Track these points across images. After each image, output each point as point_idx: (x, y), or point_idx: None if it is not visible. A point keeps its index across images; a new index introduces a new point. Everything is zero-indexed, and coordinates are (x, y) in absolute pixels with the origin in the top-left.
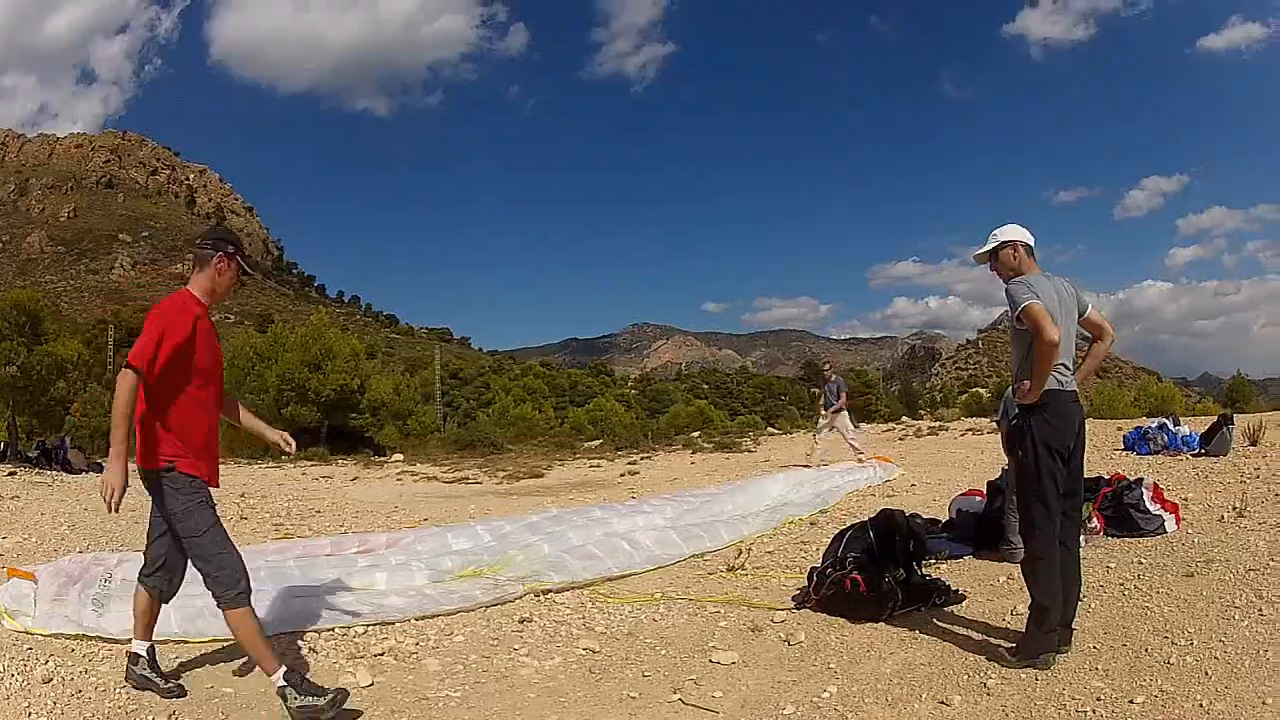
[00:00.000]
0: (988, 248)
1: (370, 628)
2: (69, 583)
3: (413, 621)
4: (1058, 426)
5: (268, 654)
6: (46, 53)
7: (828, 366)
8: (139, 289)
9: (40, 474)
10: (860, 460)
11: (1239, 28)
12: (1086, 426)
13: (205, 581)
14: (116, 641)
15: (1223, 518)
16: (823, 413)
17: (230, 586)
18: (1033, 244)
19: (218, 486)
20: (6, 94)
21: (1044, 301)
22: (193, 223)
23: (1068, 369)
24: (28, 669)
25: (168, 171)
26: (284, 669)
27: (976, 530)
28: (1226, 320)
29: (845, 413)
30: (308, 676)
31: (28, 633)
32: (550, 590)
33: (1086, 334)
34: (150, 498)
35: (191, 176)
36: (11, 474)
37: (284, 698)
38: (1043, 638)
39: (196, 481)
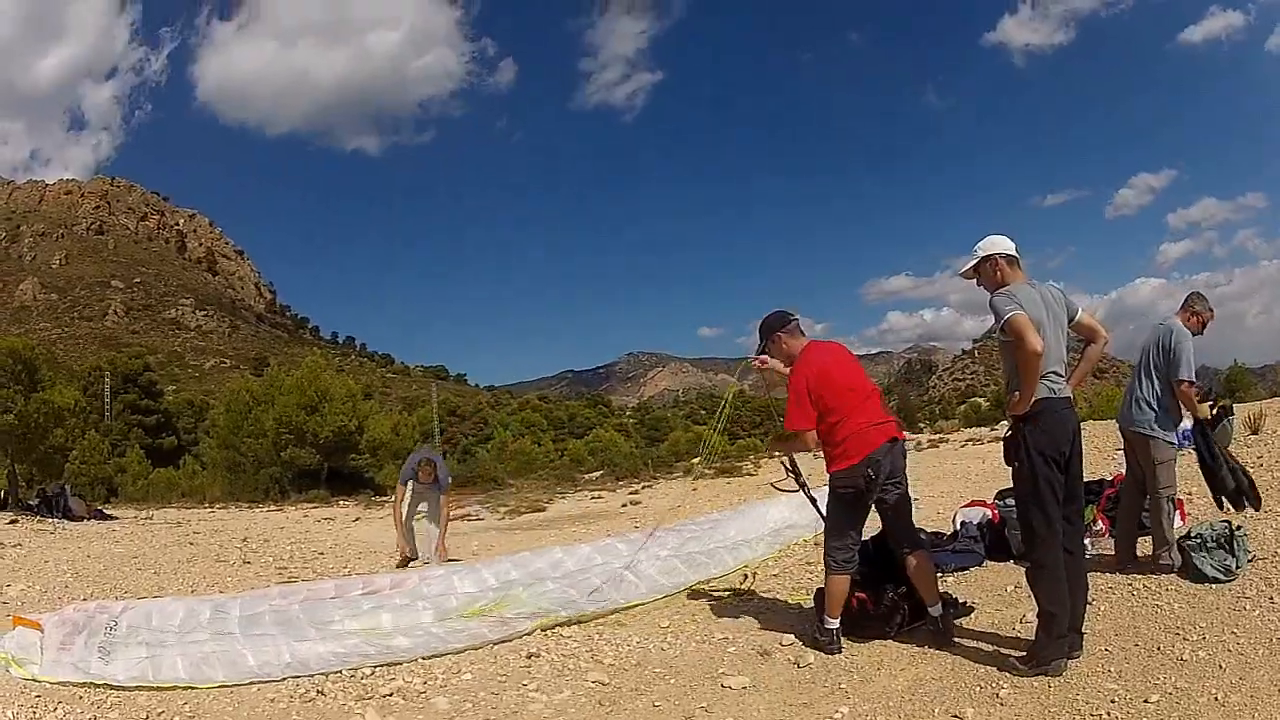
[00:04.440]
0: (970, 264)
1: (378, 668)
2: (74, 631)
3: (420, 661)
4: (1052, 434)
5: None
6: (35, 98)
7: None
8: (133, 335)
9: (42, 522)
10: None
11: (1218, 17)
12: (1086, 428)
13: None
14: (123, 689)
15: (1227, 509)
16: None
17: None
18: (1015, 253)
19: None
20: None
21: (1029, 311)
22: (184, 268)
23: (1059, 375)
24: (37, 717)
25: (157, 217)
26: None
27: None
28: (1220, 311)
29: None
30: None
31: (35, 680)
32: (557, 625)
33: (1080, 338)
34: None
35: (181, 221)
36: (13, 522)
37: None
38: (1053, 645)
39: None
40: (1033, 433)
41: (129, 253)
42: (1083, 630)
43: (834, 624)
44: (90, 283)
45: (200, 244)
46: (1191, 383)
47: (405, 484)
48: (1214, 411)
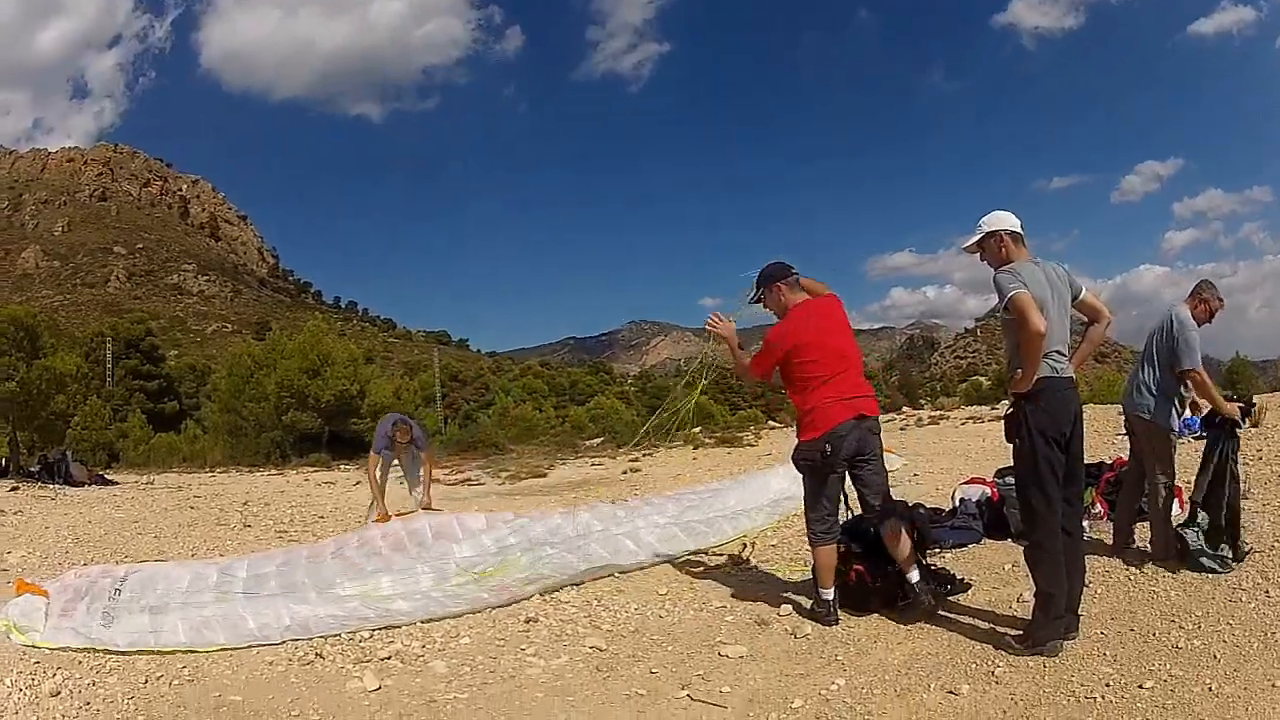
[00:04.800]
0: (974, 239)
1: (376, 632)
2: (77, 597)
3: (419, 625)
4: (1054, 414)
5: None
6: (38, 68)
7: None
8: (135, 301)
9: (43, 488)
10: None
11: (1230, 11)
12: (1087, 412)
13: None
14: (123, 654)
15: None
16: None
17: None
18: (1020, 230)
19: None
20: None
21: (1032, 290)
22: (186, 233)
23: (1062, 355)
24: (35, 683)
25: (160, 183)
26: None
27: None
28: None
29: None
30: None
31: (34, 646)
32: (556, 590)
33: (1083, 318)
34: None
35: (185, 187)
36: (14, 489)
37: None
38: (1049, 626)
39: None
40: (1034, 412)
41: (131, 219)
42: (1079, 613)
43: (828, 594)
44: (92, 249)
45: (203, 209)
46: (1196, 371)
47: (379, 453)
48: (1241, 409)
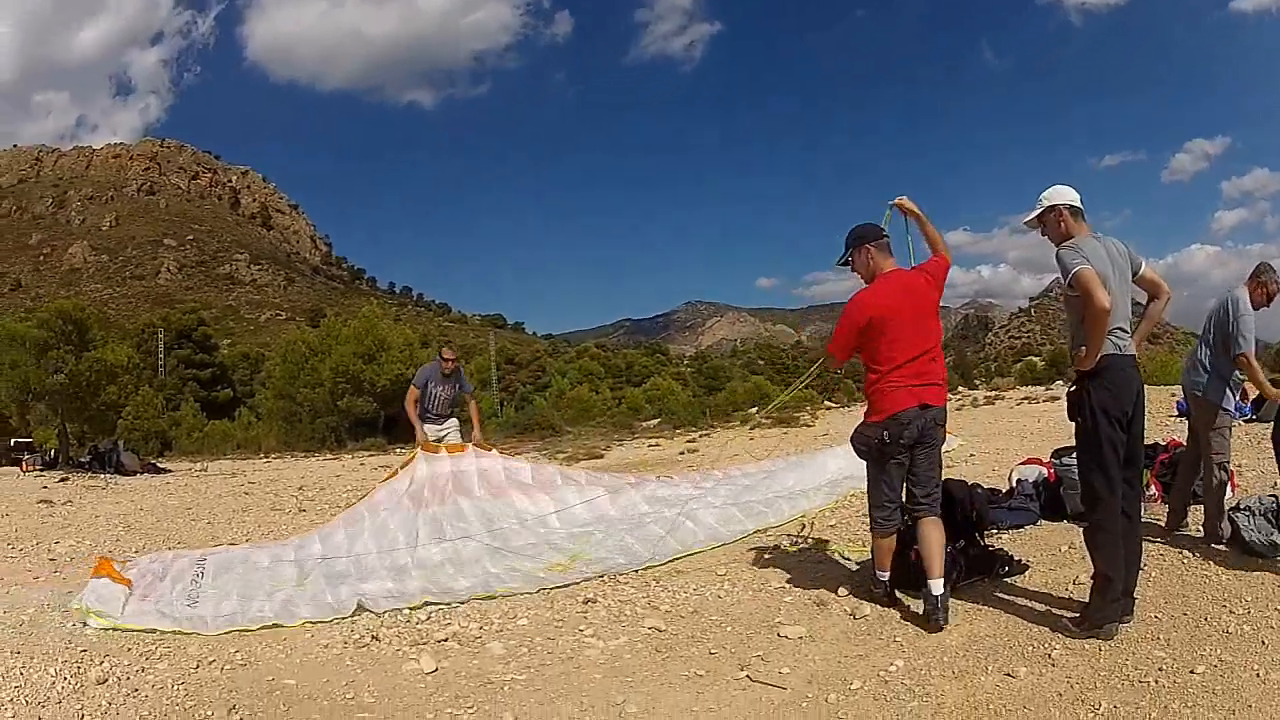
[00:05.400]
0: (1034, 213)
1: (434, 613)
2: (156, 579)
3: (476, 605)
4: (1117, 393)
5: None
6: (78, 67)
7: None
8: (187, 292)
9: (93, 478)
10: None
11: None
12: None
13: None
14: (208, 635)
15: (1276, 484)
16: None
17: None
18: (1080, 205)
19: None
20: (39, 111)
21: (1095, 265)
22: (238, 223)
23: (1125, 332)
24: (81, 671)
25: (209, 175)
26: None
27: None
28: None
29: None
30: None
31: (115, 629)
32: (616, 572)
33: (1142, 295)
34: None
35: (234, 179)
36: (63, 479)
37: None
38: (1107, 608)
39: None
40: (1097, 389)
41: (181, 211)
42: (1134, 595)
43: (884, 575)
44: (142, 242)
45: (254, 200)
46: (1243, 355)
47: (420, 386)
48: None
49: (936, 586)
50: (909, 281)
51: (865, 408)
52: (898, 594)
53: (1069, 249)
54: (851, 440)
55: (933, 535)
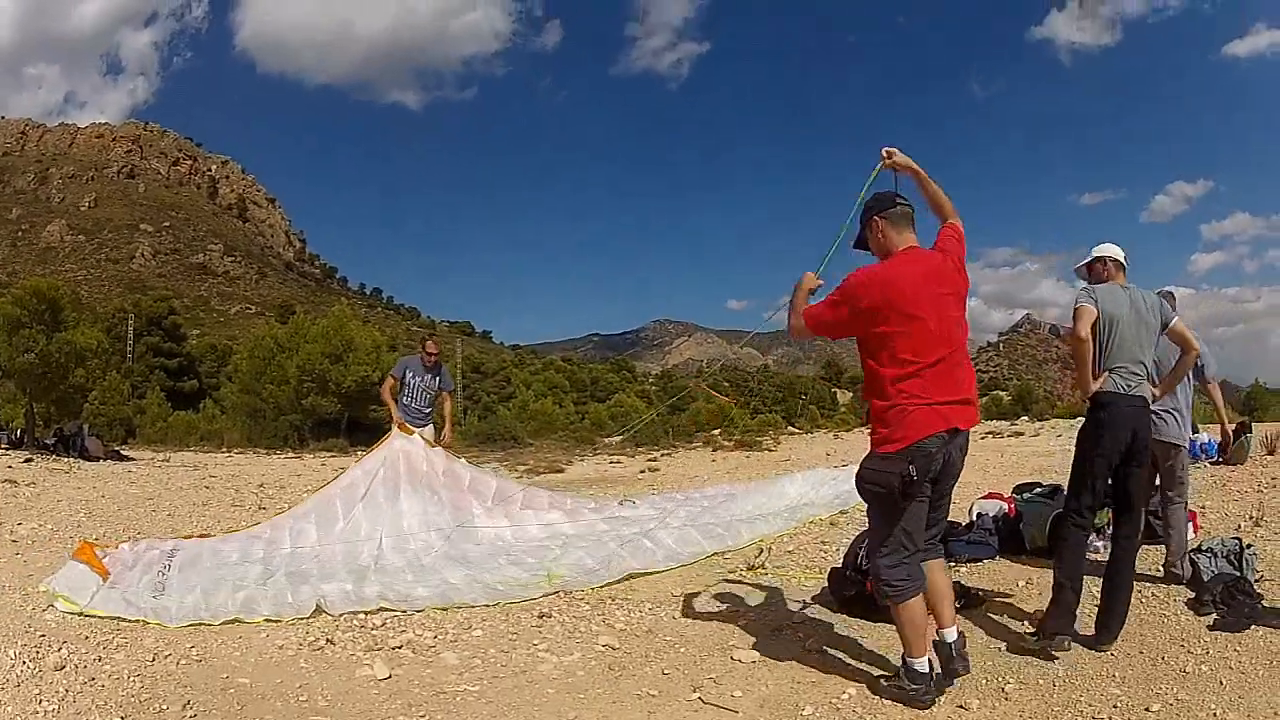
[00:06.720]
0: (1084, 263)
1: (389, 620)
2: (125, 568)
3: (431, 614)
4: (1114, 431)
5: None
6: (73, 42)
7: None
8: (160, 278)
9: (57, 461)
10: None
11: (1263, 34)
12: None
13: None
14: (171, 627)
15: (1239, 526)
16: None
17: None
18: (1122, 259)
19: None
20: (30, 83)
21: (1103, 305)
22: (214, 213)
23: (1132, 373)
24: (39, 656)
25: (190, 162)
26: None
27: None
28: (1245, 328)
29: None
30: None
31: (81, 614)
32: (572, 589)
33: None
34: None
35: (214, 168)
36: (28, 460)
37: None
38: (1061, 618)
39: None
40: (1094, 423)
41: (159, 197)
42: (1116, 635)
43: (921, 665)
44: (119, 226)
45: (232, 190)
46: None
47: (399, 377)
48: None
49: (950, 634)
50: (932, 261)
51: (870, 432)
52: (854, 622)
53: (1085, 289)
54: (858, 481)
55: (941, 580)
